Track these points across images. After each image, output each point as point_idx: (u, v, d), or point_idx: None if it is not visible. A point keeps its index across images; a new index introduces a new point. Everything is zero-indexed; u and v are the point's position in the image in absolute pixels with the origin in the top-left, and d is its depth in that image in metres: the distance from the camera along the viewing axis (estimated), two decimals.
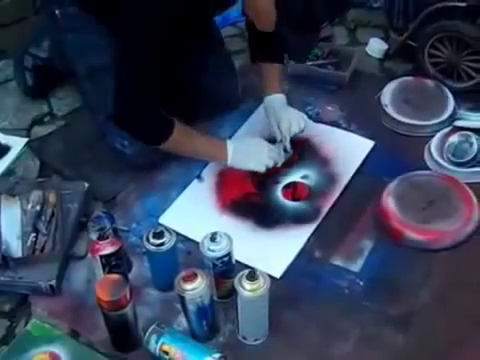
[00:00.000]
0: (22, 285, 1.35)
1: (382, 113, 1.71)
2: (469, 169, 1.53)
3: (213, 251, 1.23)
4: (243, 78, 1.76)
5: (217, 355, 1.16)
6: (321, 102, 1.77)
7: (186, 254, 1.39)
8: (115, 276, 1.21)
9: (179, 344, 1.18)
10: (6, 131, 1.78)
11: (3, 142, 1.72)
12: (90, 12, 1.53)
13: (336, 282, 1.35)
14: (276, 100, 1.59)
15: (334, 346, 1.25)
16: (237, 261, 1.30)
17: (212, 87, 1.63)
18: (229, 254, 1.24)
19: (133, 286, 1.26)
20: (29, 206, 1.45)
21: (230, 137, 1.67)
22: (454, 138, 1.57)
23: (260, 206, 1.51)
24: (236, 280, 1.17)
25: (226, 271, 1.26)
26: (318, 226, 1.45)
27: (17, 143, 1.73)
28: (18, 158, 1.69)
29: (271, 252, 1.40)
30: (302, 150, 1.60)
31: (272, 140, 1.57)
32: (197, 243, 1.28)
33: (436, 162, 1.56)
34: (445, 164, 1.55)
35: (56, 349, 1.24)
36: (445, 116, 1.66)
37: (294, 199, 1.52)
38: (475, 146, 1.53)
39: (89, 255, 1.32)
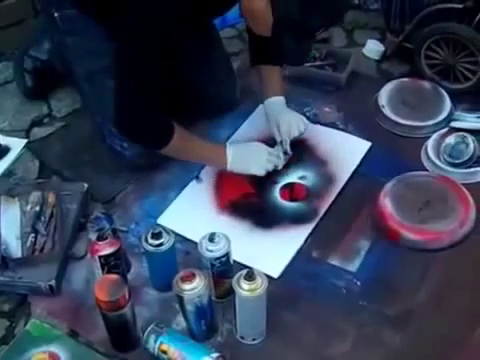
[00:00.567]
0: (21, 285, 1.36)
1: (379, 114, 1.72)
2: (465, 170, 1.54)
3: (211, 251, 1.24)
4: (241, 79, 1.77)
5: (215, 355, 1.17)
6: (319, 103, 1.77)
7: (184, 254, 1.40)
8: (114, 276, 1.21)
9: (177, 344, 1.19)
10: (6, 132, 1.78)
11: (3, 143, 1.73)
12: (89, 15, 1.54)
13: (334, 282, 1.35)
14: (276, 103, 1.59)
15: (331, 346, 1.25)
16: (235, 261, 1.30)
17: (211, 88, 1.63)
18: (227, 254, 1.25)
19: (132, 286, 1.27)
20: (28, 207, 1.46)
21: (229, 137, 1.68)
22: (451, 139, 1.58)
23: (258, 206, 1.52)
24: (234, 280, 1.18)
25: (224, 271, 1.27)
26: (316, 226, 1.46)
27: (17, 144, 1.73)
28: (18, 159, 1.69)
29: (269, 252, 1.40)
30: (300, 151, 1.61)
31: (271, 141, 1.58)
32: (195, 243, 1.28)
33: (433, 163, 1.57)
34: (442, 165, 1.56)
35: (55, 349, 1.24)
36: (442, 117, 1.67)
37: (292, 200, 1.53)
38: (471, 147, 1.53)
39: (88, 255, 1.33)
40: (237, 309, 1.21)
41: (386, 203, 1.45)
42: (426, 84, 1.77)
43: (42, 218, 1.44)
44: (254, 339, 1.26)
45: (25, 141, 1.75)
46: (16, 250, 1.39)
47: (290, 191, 1.54)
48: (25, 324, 1.32)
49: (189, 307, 1.20)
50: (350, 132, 1.69)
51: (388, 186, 1.49)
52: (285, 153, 1.55)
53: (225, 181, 1.55)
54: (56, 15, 1.58)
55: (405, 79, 1.80)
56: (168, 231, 1.30)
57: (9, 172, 1.66)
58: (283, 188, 1.55)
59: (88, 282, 1.36)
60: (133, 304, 1.22)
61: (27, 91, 1.86)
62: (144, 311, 1.31)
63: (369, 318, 1.29)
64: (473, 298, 1.31)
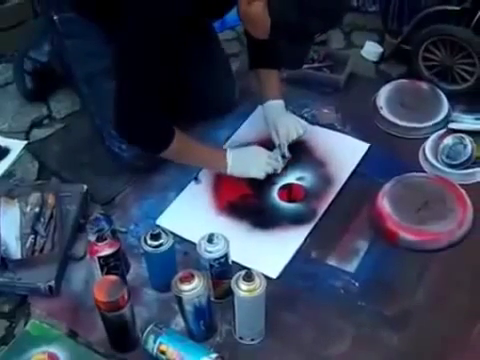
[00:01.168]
0: (21, 286, 1.36)
1: (377, 115, 1.73)
2: (463, 171, 1.54)
3: (210, 252, 1.24)
4: (240, 81, 1.77)
5: (214, 355, 1.17)
6: (317, 104, 1.78)
7: (183, 255, 1.40)
8: (113, 277, 1.22)
9: (176, 344, 1.19)
10: (5, 134, 1.78)
11: (2, 145, 1.73)
12: (88, 18, 1.54)
13: (332, 283, 1.36)
14: (274, 106, 1.60)
15: (330, 346, 1.26)
16: (234, 262, 1.31)
17: (210, 89, 1.64)
18: (226, 255, 1.25)
19: (131, 287, 1.28)
20: (28, 208, 1.46)
21: (228, 138, 1.68)
22: (448, 140, 1.58)
23: (256, 207, 1.52)
24: (233, 281, 1.18)
25: (223, 272, 1.27)
26: (314, 227, 1.46)
27: (16, 146, 1.73)
28: (17, 160, 1.70)
29: (268, 253, 1.41)
30: (298, 152, 1.61)
31: (271, 142, 1.59)
32: (194, 244, 1.29)
33: (431, 164, 1.58)
34: (439, 166, 1.56)
35: (55, 349, 1.25)
36: (439, 118, 1.67)
37: (290, 200, 1.53)
38: (469, 148, 1.54)
39: (87, 256, 1.33)
40: (236, 310, 1.21)
41: (384, 204, 1.46)
42: (424, 85, 1.77)
43: (42, 219, 1.44)
44: (253, 339, 1.27)
45: (25, 142, 1.75)
46: (16, 251, 1.39)
47: (288, 192, 1.55)
48: (25, 325, 1.32)
49: (188, 308, 1.21)
50: (348, 133, 1.69)
51: (386, 187, 1.50)
52: (283, 156, 1.56)
53: (224, 182, 1.56)
54: (55, 18, 1.59)
55: (403, 80, 1.80)
56: (167, 232, 1.30)
57: (9, 173, 1.67)
58: (281, 189, 1.55)
59: (87, 283, 1.36)
60: (132, 305, 1.23)
61: (27, 93, 1.86)
62: (143, 311, 1.31)
63: (367, 318, 1.29)
64: (471, 298, 1.31)
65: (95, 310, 1.22)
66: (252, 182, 1.53)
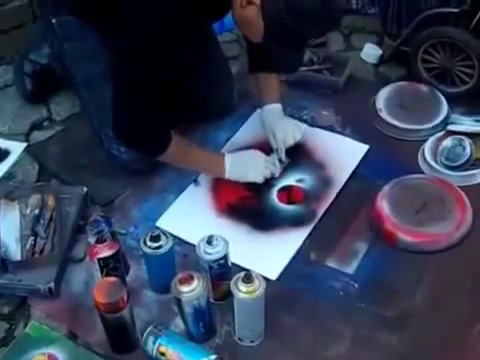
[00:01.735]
0: (21, 288, 1.36)
1: (376, 117, 1.73)
2: (462, 172, 1.54)
3: (209, 254, 1.24)
4: (240, 83, 1.77)
5: (213, 357, 1.17)
6: (316, 106, 1.78)
7: (183, 257, 1.40)
8: (113, 279, 1.22)
9: (176, 346, 1.19)
10: (5, 136, 1.79)
11: (2, 147, 1.73)
12: (86, 21, 1.54)
13: (331, 284, 1.36)
14: (272, 110, 1.60)
15: (329, 348, 1.26)
16: (233, 263, 1.31)
17: (209, 91, 1.64)
18: (225, 257, 1.26)
19: (131, 288, 1.28)
20: (28, 210, 1.46)
21: (227, 141, 1.68)
22: (447, 142, 1.58)
23: (256, 209, 1.52)
24: (232, 282, 1.18)
25: (222, 273, 1.27)
26: (313, 229, 1.47)
27: (16, 148, 1.74)
28: (17, 162, 1.70)
29: (267, 254, 1.41)
30: (297, 154, 1.62)
31: (269, 145, 1.59)
32: (194, 246, 1.29)
33: (430, 166, 1.58)
34: (438, 167, 1.56)
35: (54, 351, 1.25)
36: (439, 120, 1.68)
37: (289, 202, 1.54)
38: (468, 150, 1.54)
39: (87, 258, 1.34)
40: (235, 311, 1.21)
41: (383, 205, 1.46)
42: (423, 87, 1.78)
43: (41, 221, 1.44)
44: (252, 341, 1.27)
45: (25, 144, 1.75)
46: (16, 253, 1.39)
47: (288, 194, 1.55)
48: (25, 326, 1.32)
49: (187, 309, 1.21)
50: (348, 135, 1.69)
51: (385, 189, 1.50)
52: (280, 161, 1.56)
53: (223, 184, 1.56)
54: (54, 21, 1.59)
55: (402, 83, 1.81)
56: (166, 234, 1.31)
57: (9, 175, 1.67)
58: (281, 191, 1.56)
59: (87, 284, 1.37)
60: (132, 306, 1.23)
61: (27, 95, 1.86)
62: (143, 313, 1.32)
63: (366, 320, 1.29)
64: (470, 300, 1.31)
65: (95, 311, 1.22)
66: (251, 184, 1.53)
